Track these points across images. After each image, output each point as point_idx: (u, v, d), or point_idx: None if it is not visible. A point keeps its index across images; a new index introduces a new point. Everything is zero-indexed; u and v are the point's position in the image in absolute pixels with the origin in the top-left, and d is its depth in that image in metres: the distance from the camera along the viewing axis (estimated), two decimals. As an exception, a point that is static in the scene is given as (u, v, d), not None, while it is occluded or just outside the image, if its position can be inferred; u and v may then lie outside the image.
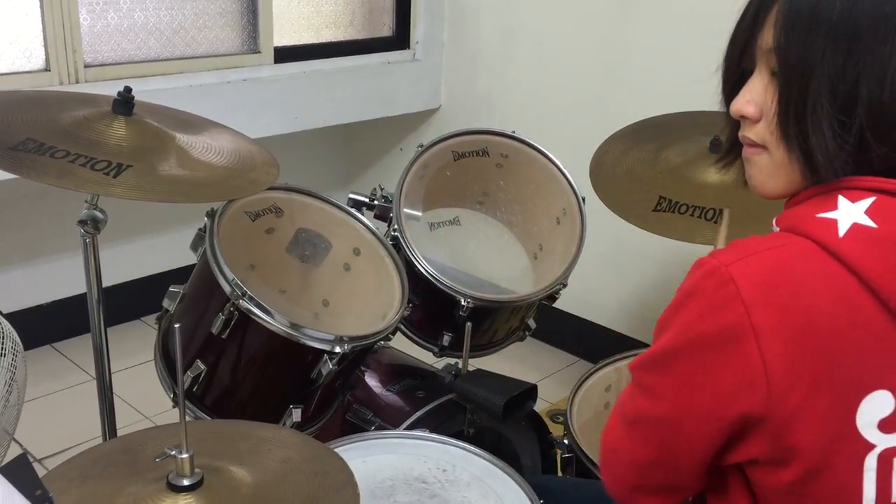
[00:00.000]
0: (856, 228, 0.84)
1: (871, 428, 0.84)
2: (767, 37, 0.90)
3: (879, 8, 0.83)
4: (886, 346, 0.83)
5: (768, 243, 0.87)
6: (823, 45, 0.85)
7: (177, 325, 0.98)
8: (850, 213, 0.85)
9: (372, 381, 1.82)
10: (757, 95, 0.92)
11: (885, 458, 0.85)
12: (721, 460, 0.92)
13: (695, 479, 0.94)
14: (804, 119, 0.87)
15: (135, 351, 2.39)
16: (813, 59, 0.85)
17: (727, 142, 1.07)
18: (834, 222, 0.85)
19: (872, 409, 0.84)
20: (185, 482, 0.97)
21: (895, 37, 0.83)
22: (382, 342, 1.62)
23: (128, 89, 1.49)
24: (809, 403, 0.83)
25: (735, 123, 1.01)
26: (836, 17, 0.84)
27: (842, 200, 0.86)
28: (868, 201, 0.85)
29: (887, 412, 0.84)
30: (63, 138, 1.39)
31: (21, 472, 0.79)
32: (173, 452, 0.97)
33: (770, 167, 0.93)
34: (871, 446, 0.85)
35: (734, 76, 0.97)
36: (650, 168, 1.77)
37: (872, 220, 0.84)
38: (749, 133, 0.95)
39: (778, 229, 0.91)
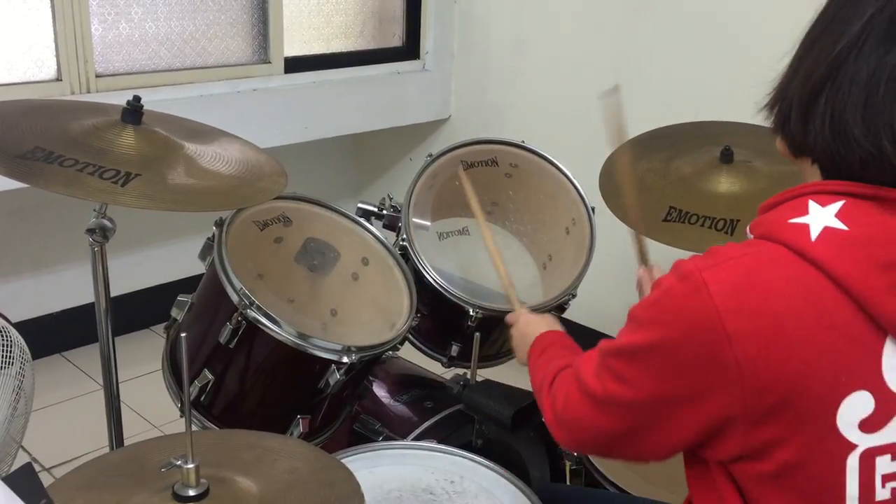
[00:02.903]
0: (827, 232, 0.86)
1: (852, 428, 0.85)
2: None
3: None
4: (863, 347, 0.84)
5: (741, 250, 0.89)
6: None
7: (184, 335, 0.98)
8: (820, 217, 0.87)
9: (380, 391, 1.82)
10: None
11: (867, 458, 0.86)
12: (700, 453, 0.94)
13: (662, 454, 0.96)
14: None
15: (143, 360, 2.39)
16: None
17: None
18: (806, 227, 0.87)
19: (853, 409, 0.85)
20: (191, 493, 0.97)
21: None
22: (390, 352, 1.62)
23: (137, 98, 1.49)
24: (785, 404, 0.84)
25: None
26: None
27: (812, 205, 0.88)
28: (838, 205, 0.87)
29: (868, 412, 0.85)
30: (72, 147, 1.39)
31: (26, 481, 0.79)
32: (179, 462, 0.97)
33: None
34: (853, 446, 0.85)
35: None
36: (660, 178, 1.76)
37: (843, 223, 0.86)
38: None
39: (752, 236, 0.93)
